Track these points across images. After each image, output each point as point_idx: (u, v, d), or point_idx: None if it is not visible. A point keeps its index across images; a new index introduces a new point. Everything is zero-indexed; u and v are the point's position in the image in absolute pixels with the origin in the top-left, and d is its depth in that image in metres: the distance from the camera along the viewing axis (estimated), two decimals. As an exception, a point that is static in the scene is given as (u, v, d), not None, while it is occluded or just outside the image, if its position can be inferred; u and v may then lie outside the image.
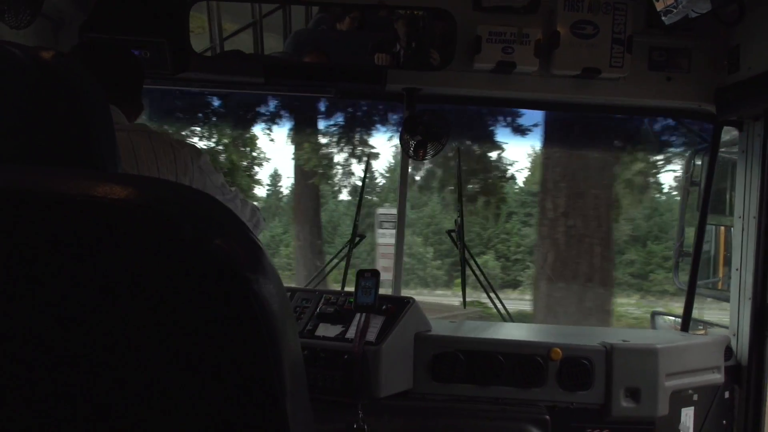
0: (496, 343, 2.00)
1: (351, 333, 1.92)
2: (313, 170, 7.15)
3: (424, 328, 2.02)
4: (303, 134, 6.63)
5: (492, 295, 2.44)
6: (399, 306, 1.98)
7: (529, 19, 2.18)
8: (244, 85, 2.32)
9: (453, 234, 2.47)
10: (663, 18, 2.02)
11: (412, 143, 2.28)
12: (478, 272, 2.46)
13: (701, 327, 2.72)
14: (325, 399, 1.86)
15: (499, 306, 2.45)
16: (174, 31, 2.05)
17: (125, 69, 1.65)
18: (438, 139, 2.24)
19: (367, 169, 2.90)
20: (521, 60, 2.14)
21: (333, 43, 2.17)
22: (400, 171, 2.46)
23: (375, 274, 1.98)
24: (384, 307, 1.96)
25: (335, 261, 2.55)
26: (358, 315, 1.94)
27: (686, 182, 2.69)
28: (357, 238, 2.53)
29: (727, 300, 2.32)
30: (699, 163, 2.58)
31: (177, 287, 0.62)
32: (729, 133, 2.40)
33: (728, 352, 2.21)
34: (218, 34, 2.37)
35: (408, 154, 2.32)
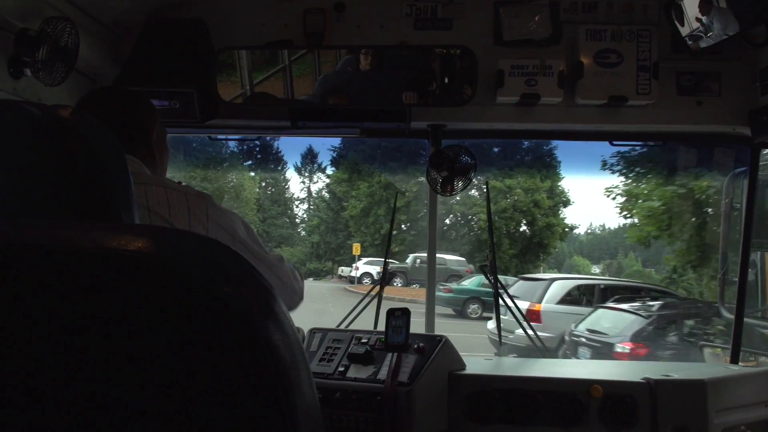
0: (534, 380, 1.93)
1: (383, 374, 1.88)
2: None
3: (458, 367, 1.97)
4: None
5: (529, 331, 2.38)
6: (431, 344, 1.94)
7: (551, 51, 2.18)
8: (272, 129, 2.36)
9: (485, 269, 2.42)
10: (690, 43, 1.99)
11: (439, 179, 2.27)
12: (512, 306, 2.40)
13: (752, 358, 2.59)
14: None
15: (537, 341, 2.38)
16: (202, 80, 2.11)
17: (139, 116, 1.53)
18: (465, 173, 2.22)
19: (395, 204, 2.87)
20: (545, 91, 2.14)
21: (356, 84, 2.20)
22: (429, 208, 2.44)
23: (405, 312, 1.95)
24: (416, 345, 1.93)
25: (367, 300, 2.52)
26: (389, 355, 1.91)
27: (727, 207, 2.61)
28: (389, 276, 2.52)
29: None
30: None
31: (188, 336, 0.62)
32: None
33: None
34: (248, 80, 2.43)
35: (435, 190, 2.31)
